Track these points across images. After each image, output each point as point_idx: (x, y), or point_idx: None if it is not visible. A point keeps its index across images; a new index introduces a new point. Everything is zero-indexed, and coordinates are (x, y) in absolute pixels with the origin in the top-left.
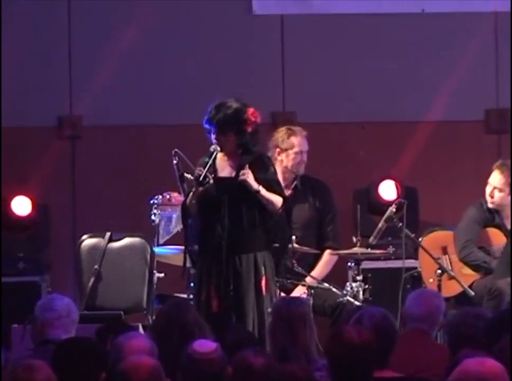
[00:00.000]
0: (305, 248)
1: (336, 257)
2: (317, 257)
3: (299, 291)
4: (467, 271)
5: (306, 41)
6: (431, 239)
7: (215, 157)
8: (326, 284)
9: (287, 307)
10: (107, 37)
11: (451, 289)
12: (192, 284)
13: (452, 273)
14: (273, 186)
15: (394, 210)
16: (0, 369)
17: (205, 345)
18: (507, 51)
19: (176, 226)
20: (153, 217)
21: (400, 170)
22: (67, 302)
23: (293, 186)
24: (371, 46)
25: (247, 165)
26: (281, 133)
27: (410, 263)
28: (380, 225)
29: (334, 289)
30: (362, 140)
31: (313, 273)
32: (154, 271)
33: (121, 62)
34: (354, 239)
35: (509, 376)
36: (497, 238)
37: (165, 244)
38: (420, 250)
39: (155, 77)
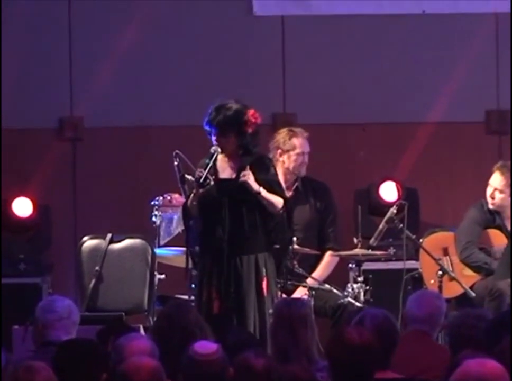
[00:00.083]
0: (306, 250)
1: (337, 259)
2: (318, 259)
3: (300, 293)
4: (468, 272)
5: (306, 42)
6: (432, 241)
7: (216, 159)
8: (327, 286)
9: (288, 308)
10: (107, 38)
11: (452, 290)
12: (193, 286)
13: (453, 275)
14: (274, 187)
15: (395, 211)
16: (0, 371)
17: (206, 347)
18: (507, 52)
19: (177, 227)
20: (153, 218)
21: (401, 171)
22: (68, 303)
23: (294, 187)
24: (371, 47)
25: (247, 167)
26: (283, 134)
27: (411, 264)
28: (380, 226)
29: (335, 290)
30: (362, 141)
31: (314, 274)
32: (155, 273)
33: (121, 63)
34: (355, 240)
35: (509, 377)
36: (498, 239)
37: (166, 245)
38: (421, 251)
39: (156, 78)
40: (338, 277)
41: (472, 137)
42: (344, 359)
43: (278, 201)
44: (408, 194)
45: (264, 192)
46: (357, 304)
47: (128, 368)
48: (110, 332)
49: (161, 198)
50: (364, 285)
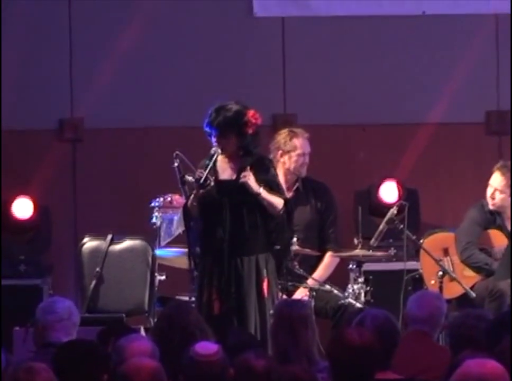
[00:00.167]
0: (307, 250)
1: (337, 259)
2: (319, 259)
3: (301, 293)
4: (469, 272)
5: (307, 43)
6: (433, 241)
7: (216, 160)
8: (328, 286)
9: (289, 309)
10: (107, 38)
11: (452, 290)
12: (193, 287)
13: (453, 275)
14: (274, 188)
15: (395, 212)
16: (0, 372)
17: (206, 347)
18: (507, 53)
19: (177, 228)
20: (154, 219)
21: (401, 171)
22: (68, 305)
23: (294, 187)
24: (371, 48)
25: (248, 167)
26: (283, 135)
27: (411, 265)
28: (381, 227)
29: (336, 291)
30: (362, 142)
31: (315, 275)
32: (156, 273)
33: (121, 63)
34: (355, 241)
35: (509, 377)
36: (498, 239)
37: (166, 246)
38: (422, 252)
39: (156, 79)
40: (338, 277)
41: (472, 138)
42: (344, 359)
43: (278, 202)
44: (408, 194)
45: (264, 193)
46: (358, 304)
47: (129, 369)
48: (110, 333)
49: (161, 199)
50: (364, 286)
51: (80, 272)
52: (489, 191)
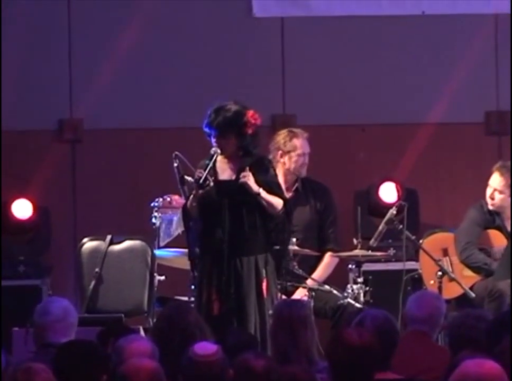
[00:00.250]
0: (306, 251)
1: (336, 260)
2: (318, 260)
3: (300, 294)
4: (468, 273)
5: (306, 43)
6: (432, 241)
7: (215, 160)
8: (327, 287)
9: (288, 310)
10: (107, 38)
11: (452, 291)
12: (193, 287)
13: (453, 275)
14: (274, 188)
15: (394, 212)
16: (0, 373)
17: (206, 348)
18: (507, 53)
19: (177, 228)
20: (153, 220)
21: (401, 172)
22: (64, 305)
23: (294, 188)
24: (371, 48)
25: (247, 168)
26: (283, 135)
27: (410, 265)
28: (380, 227)
29: (335, 291)
30: (362, 142)
31: (314, 275)
32: (155, 274)
33: (121, 64)
34: (355, 241)
35: (508, 377)
36: (498, 240)
37: (165, 246)
38: (421, 252)
39: (156, 80)
40: (338, 277)
41: (472, 138)
42: (344, 360)
43: (278, 202)
44: (407, 195)
45: (263, 194)
46: (357, 304)
47: (128, 369)
48: (110, 333)
49: (161, 199)
50: (363, 286)
51: (79, 272)
52: (488, 191)
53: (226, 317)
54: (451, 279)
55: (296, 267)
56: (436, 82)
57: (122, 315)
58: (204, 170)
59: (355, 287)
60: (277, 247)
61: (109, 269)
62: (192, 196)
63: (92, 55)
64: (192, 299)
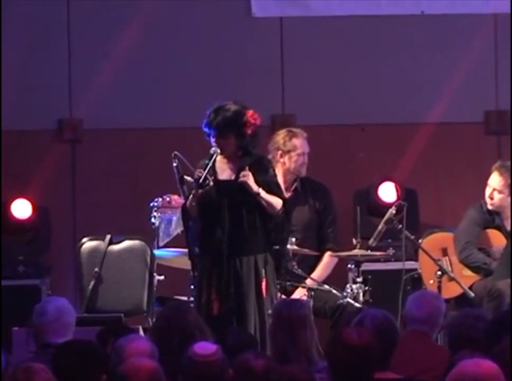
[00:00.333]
0: (306, 251)
1: (336, 259)
2: (317, 259)
3: (299, 293)
4: (467, 272)
5: (305, 43)
6: (431, 241)
7: (215, 160)
8: (326, 286)
9: (287, 309)
10: (107, 38)
11: (451, 290)
12: (192, 287)
13: (452, 275)
14: (273, 188)
15: (394, 212)
16: (0, 372)
17: (205, 348)
18: (507, 52)
19: (176, 228)
20: (153, 219)
21: (400, 171)
22: (60, 305)
23: (293, 187)
24: (370, 48)
25: (247, 168)
26: (282, 135)
27: (410, 264)
28: (379, 227)
29: (334, 291)
30: (361, 142)
31: (314, 275)
32: (154, 274)
33: (121, 63)
34: (354, 241)
35: (507, 377)
36: (497, 239)
37: (165, 246)
38: (420, 252)
39: (155, 80)
40: (337, 277)
41: (471, 138)
42: (343, 359)
43: (277, 202)
44: (407, 194)
45: (263, 193)
46: (357, 304)
47: (128, 369)
48: (109, 333)
49: (160, 199)
50: (363, 286)
51: (79, 272)
52: (488, 191)
53: (225, 317)
54: (451, 279)
55: (295, 267)
56: (436, 82)
57: (122, 315)
58: (204, 170)
59: (354, 286)
60: (277, 247)
61: (109, 268)
62: (191, 196)
63: (92, 55)
64: (192, 299)
